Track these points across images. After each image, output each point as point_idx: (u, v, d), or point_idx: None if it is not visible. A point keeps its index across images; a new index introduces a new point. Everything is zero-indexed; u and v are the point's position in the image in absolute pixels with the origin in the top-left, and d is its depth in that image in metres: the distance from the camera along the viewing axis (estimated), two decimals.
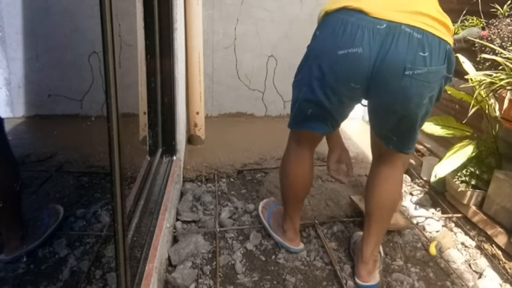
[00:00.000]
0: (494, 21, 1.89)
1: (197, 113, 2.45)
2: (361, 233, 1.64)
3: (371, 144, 1.43)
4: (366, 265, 1.42)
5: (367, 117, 2.99)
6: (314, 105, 1.21)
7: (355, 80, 1.10)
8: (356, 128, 2.94)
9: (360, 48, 1.03)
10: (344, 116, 1.30)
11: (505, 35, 1.79)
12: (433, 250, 1.63)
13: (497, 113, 1.77)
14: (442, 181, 1.93)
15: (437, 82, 1.09)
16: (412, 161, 2.41)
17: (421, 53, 1.02)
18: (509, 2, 1.84)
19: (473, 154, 1.78)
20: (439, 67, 1.06)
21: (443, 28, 1.06)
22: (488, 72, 1.70)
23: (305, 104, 1.23)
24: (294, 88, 1.30)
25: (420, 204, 2.02)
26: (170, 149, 1.90)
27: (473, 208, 1.79)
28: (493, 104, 1.79)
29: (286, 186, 1.51)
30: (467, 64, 1.88)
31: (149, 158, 1.76)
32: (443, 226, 1.85)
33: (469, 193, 1.79)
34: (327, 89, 1.15)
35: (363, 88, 1.12)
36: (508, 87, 1.61)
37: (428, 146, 2.43)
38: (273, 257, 1.58)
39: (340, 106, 1.22)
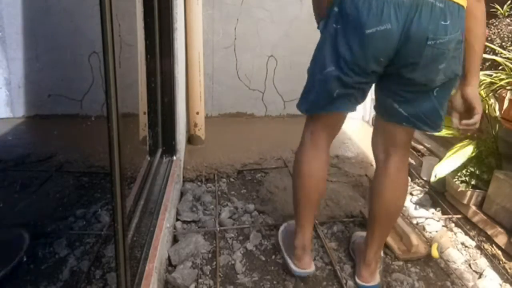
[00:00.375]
0: (494, 21, 1.89)
1: (197, 113, 2.45)
2: (360, 233, 1.64)
3: (376, 141, 1.37)
4: (368, 267, 1.41)
5: (367, 117, 3.00)
6: (341, 84, 1.17)
7: (385, 55, 1.09)
8: (356, 128, 2.94)
9: (389, 24, 1.04)
10: (365, 94, 1.26)
11: (505, 35, 1.79)
12: (435, 252, 1.62)
13: (497, 113, 1.77)
14: (442, 181, 1.93)
15: (454, 47, 1.09)
16: (412, 161, 2.41)
17: (442, 22, 1.03)
18: (509, 2, 1.84)
19: (473, 154, 1.78)
20: (457, 33, 1.07)
21: None
22: (488, 72, 1.70)
23: (331, 84, 1.18)
24: (313, 70, 1.23)
25: (420, 204, 2.02)
26: (170, 149, 1.90)
27: (473, 208, 1.79)
28: (493, 104, 1.79)
29: (297, 185, 1.38)
30: None
31: (149, 158, 1.76)
32: (443, 226, 1.85)
33: (469, 193, 1.79)
34: (355, 67, 1.13)
35: (389, 60, 1.12)
36: (508, 87, 1.61)
37: (428, 146, 2.44)
38: (273, 257, 1.58)
39: (366, 83, 1.20)
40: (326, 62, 1.16)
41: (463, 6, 1.07)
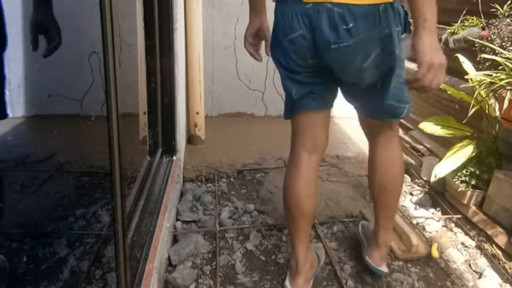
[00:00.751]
0: (494, 21, 1.89)
1: (197, 113, 2.45)
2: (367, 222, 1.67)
3: (362, 127, 1.43)
4: (379, 249, 1.43)
5: None
6: (295, 83, 1.23)
7: (309, 57, 1.15)
8: (356, 128, 2.93)
9: (300, 30, 1.10)
10: (327, 87, 1.26)
11: (505, 35, 1.79)
12: (435, 253, 1.62)
13: (497, 113, 1.77)
14: (442, 181, 1.93)
15: (375, 44, 1.08)
16: (412, 161, 2.41)
17: (344, 27, 1.05)
18: (509, 2, 1.84)
19: (473, 154, 1.78)
20: (371, 32, 1.06)
21: None
22: (488, 72, 1.70)
23: (287, 84, 1.25)
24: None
25: (420, 204, 2.02)
26: (170, 149, 1.90)
27: (473, 208, 1.79)
28: (493, 104, 1.79)
29: (283, 203, 1.35)
30: (467, 64, 1.88)
31: (149, 158, 1.76)
32: (443, 226, 1.85)
33: (469, 193, 1.79)
34: (293, 69, 1.20)
35: (316, 60, 1.17)
36: (508, 87, 1.61)
37: (428, 146, 2.43)
38: (273, 257, 1.58)
39: (316, 76, 1.22)
40: (279, 66, 1.24)
41: (375, 4, 1.04)
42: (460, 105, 2.14)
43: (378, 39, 1.08)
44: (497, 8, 1.88)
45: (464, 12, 2.09)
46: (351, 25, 1.04)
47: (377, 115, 1.27)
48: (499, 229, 1.63)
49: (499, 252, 1.60)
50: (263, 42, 1.43)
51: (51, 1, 1.18)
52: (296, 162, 1.30)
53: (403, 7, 1.13)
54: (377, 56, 1.10)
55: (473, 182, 1.79)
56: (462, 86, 1.87)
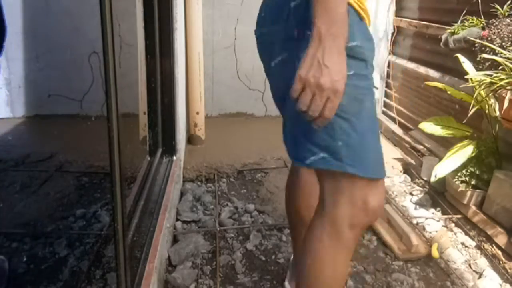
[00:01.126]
0: (494, 21, 1.88)
1: (197, 113, 2.45)
2: None
3: None
4: None
5: None
6: (271, 85, 1.17)
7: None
8: None
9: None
10: None
11: (505, 35, 1.79)
12: (435, 253, 1.62)
13: (497, 113, 1.77)
14: (442, 181, 1.93)
15: (279, 44, 0.89)
16: (412, 161, 2.41)
17: (262, 14, 0.98)
18: (509, 2, 1.84)
19: (473, 154, 1.78)
20: (274, 27, 0.89)
21: None
22: (488, 72, 1.70)
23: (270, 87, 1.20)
24: None
25: (420, 204, 2.02)
26: (170, 149, 1.90)
27: (473, 208, 1.79)
28: (493, 104, 1.79)
29: (285, 202, 1.32)
30: (467, 64, 1.88)
31: (149, 158, 1.76)
32: (443, 226, 1.85)
33: (469, 193, 1.79)
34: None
35: None
36: (508, 87, 1.61)
37: (428, 146, 2.43)
38: (273, 257, 1.58)
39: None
40: None
41: None
42: (460, 105, 2.14)
43: (283, 39, 0.87)
44: (497, 8, 1.88)
45: (464, 12, 2.09)
46: (263, 14, 0.97)
47: (284, 139, 0.97)
48: (499, 229, 1.63)
49: (499, 252, 1.60)
50: None
51: None
52: (296, 170, 1.25)
53: (353, 8, 0.83)
54: (284, 62, 0.88)
55: (473, 182, 1.79)
56: (462, 86, 1.87)
